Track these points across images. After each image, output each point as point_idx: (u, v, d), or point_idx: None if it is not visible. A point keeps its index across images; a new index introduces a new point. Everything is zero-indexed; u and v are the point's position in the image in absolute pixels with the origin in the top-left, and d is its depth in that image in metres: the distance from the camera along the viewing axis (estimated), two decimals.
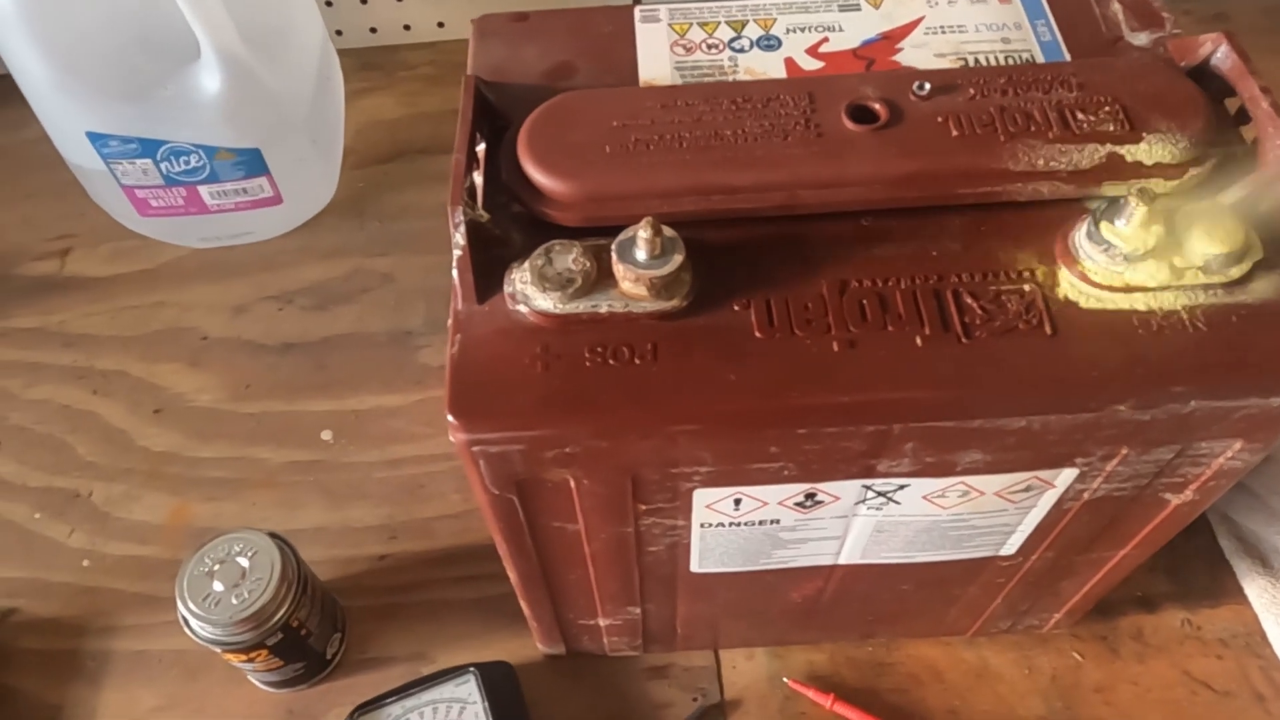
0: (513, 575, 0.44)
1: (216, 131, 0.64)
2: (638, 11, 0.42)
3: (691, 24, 0.42)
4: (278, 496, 0.62)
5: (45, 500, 0.63)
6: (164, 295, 0.72)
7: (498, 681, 0.53)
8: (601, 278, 0.33)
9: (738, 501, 0.38)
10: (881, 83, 0.36)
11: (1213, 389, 0.32)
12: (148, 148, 0.64)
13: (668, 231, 0.32)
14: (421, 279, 0.71)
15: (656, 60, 0.41)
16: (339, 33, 0.83)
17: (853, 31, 0.41)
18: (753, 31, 0.41)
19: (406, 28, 0.85)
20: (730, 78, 0.40)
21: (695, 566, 0.44)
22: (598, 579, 0.44)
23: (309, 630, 0.52)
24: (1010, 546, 0.43)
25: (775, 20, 0.42)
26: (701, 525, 0.40)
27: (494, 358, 0.33)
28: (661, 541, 0.41)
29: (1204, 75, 0.38)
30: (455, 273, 0.34)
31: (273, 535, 0.50)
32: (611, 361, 0.32)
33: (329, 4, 0.81)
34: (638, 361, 0.32)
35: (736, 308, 0.33)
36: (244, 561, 0.49)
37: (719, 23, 0.42)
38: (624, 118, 0.36)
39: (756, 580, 0.46)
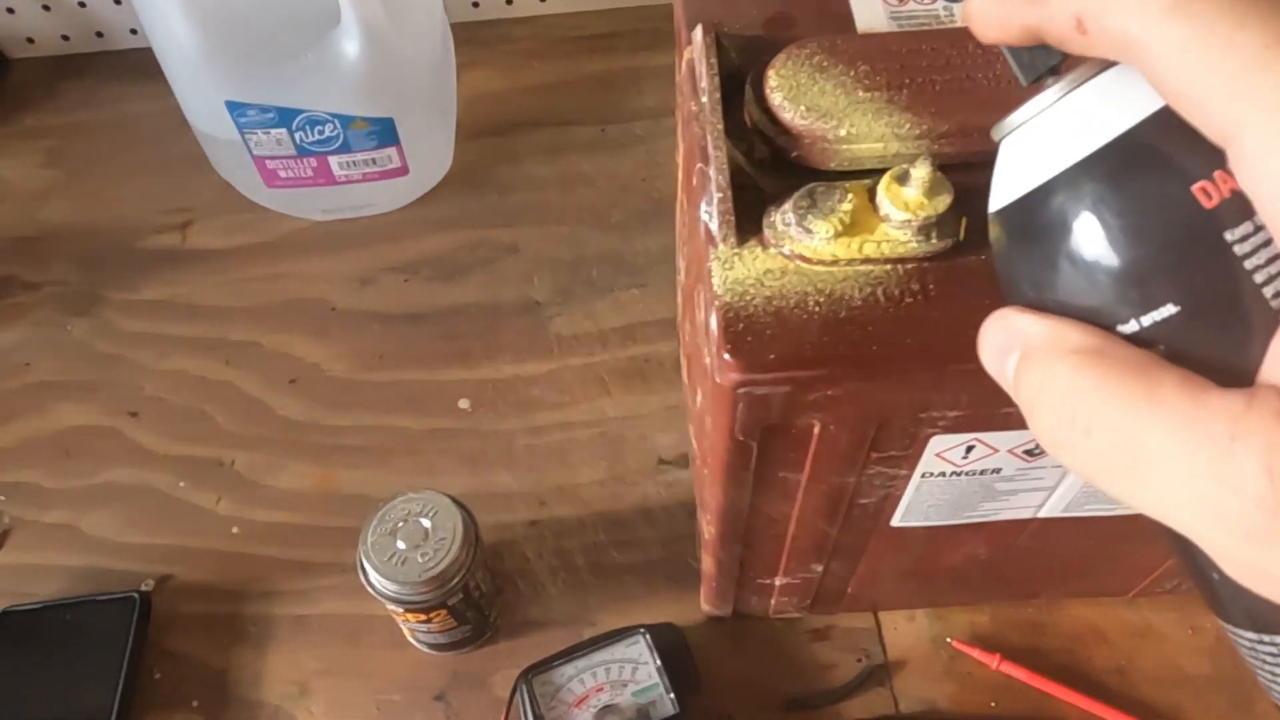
0: (713, 529, 0.44)
1: (354, 100, 0.64)
2: None
3: None
4: (420, 463, 0.62)
5: (188, 469, 0.63)
6: (286, 267, 0.72)
7: (667, 641, 0.53)
8: (864, 219, 0.33)
9: (969, 449, 0.38)
10: None
11: None
12: (284, 117, 0.64)
13: (937, 172, 0.32)
14: (545, 250, 0.71)
15: (870, 11, 0.40)
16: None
17: None
18: None
19: (509, 2, 0.85)
20: (940, 23, 0.40)
21: (897, 520, 0.44)
22: (795, 533, 0.45)
23: (481, 593, 0.52)
24: None
25: None
26: (923, 475, 0.40)
27: (762, 300, 0.33)
28: (876, 493, 0.41)
29: None
30: (711, 217, 0.34)
31: (450, 497, 0.51)
32: (882, 300, 0.32)
33: None
34: (909, 301, 0.32)
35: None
36: (426, 522, 0.49)
37: None
38: (870, 62, 0.35)
39: (950, 535, 0.46)
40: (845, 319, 0.32)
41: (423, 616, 0.50)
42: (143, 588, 0.58)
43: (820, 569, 0.49)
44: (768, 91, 0.35)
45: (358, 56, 0.62)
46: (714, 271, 0.34)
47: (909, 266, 0.33)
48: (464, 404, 0.65)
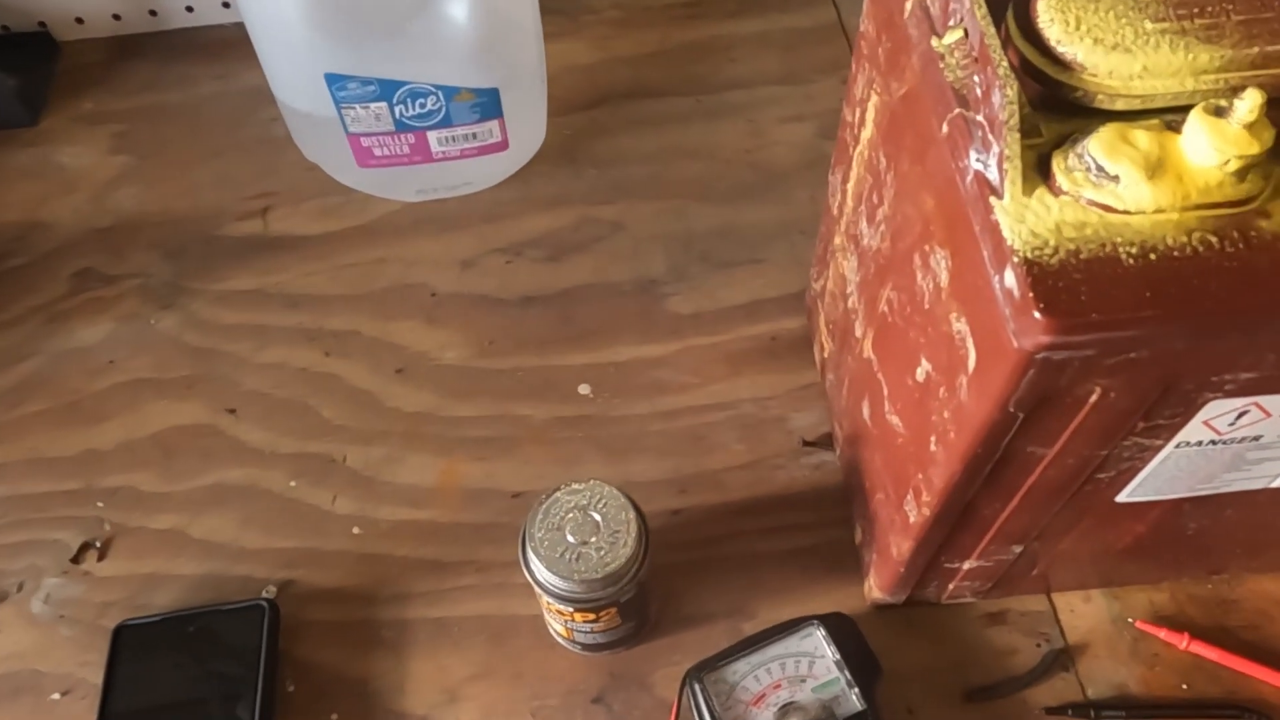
0: (929, 511, 0.41)
1: (461, 70, 0.60)
2: None
3: None
4: (551, 453, 0.59)
5: (298, 466, 0.59)
6: (383, 251, 0.68)
7: (841, 632, 0.50)
8: (1172, 161, 0.30)
9: (1240, 414, 0.35)
10: None
11: None
12: (386, 90, 0.60)
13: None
14: (653, 226, 0.68)
15: None
16: None
17: None
18: None
19: None
20: None
21: (1124, 495, 0.41)
22: (1013, 513, 0.42)
23: (650, 588, 0.49)
24: None
25: None
26: (1178, 445, 0.37)
27: (1066, 253, 0.29)
28: (1120, 466, 0.38)
29: None
30: (988, 166, 0.31)
31: (616, 488, 0.47)
32: (1201, 250, 0.29)
33: None
34: (1231, 250, 0.29)
35: None
36: (596, 515, 0.46)
37: None
38: None
39: (1168, 510, 0.43)
40: (1163, 271, 0.29)
41: (591, 615, 0.47)
42: (265, 594, 0.54)
43: (1019, 550, 0.46)
44: (1039, 24, 0.32)
45: (466, 21, 0.58)
46: (1003, 224, 0.30)
47: (1226, 212, 0.30)
48: (584, 389, 0.61)
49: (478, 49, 0.60)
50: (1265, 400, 0.34)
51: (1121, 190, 0.30)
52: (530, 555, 0.45)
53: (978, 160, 0.31)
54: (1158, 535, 0.46)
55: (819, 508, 0.56)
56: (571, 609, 0.46)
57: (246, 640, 0.52)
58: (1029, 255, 0.30)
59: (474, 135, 0.65)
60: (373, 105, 0.61)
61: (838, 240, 0.51)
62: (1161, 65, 0.31)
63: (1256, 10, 0.31)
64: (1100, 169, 0.30)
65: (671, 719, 0.49)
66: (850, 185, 0.47)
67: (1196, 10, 0.32)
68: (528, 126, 0.69)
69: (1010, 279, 0.30)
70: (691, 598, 0.54)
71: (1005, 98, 0.30)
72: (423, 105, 0.62)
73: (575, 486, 0.47)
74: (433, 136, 0.64)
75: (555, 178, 0.71)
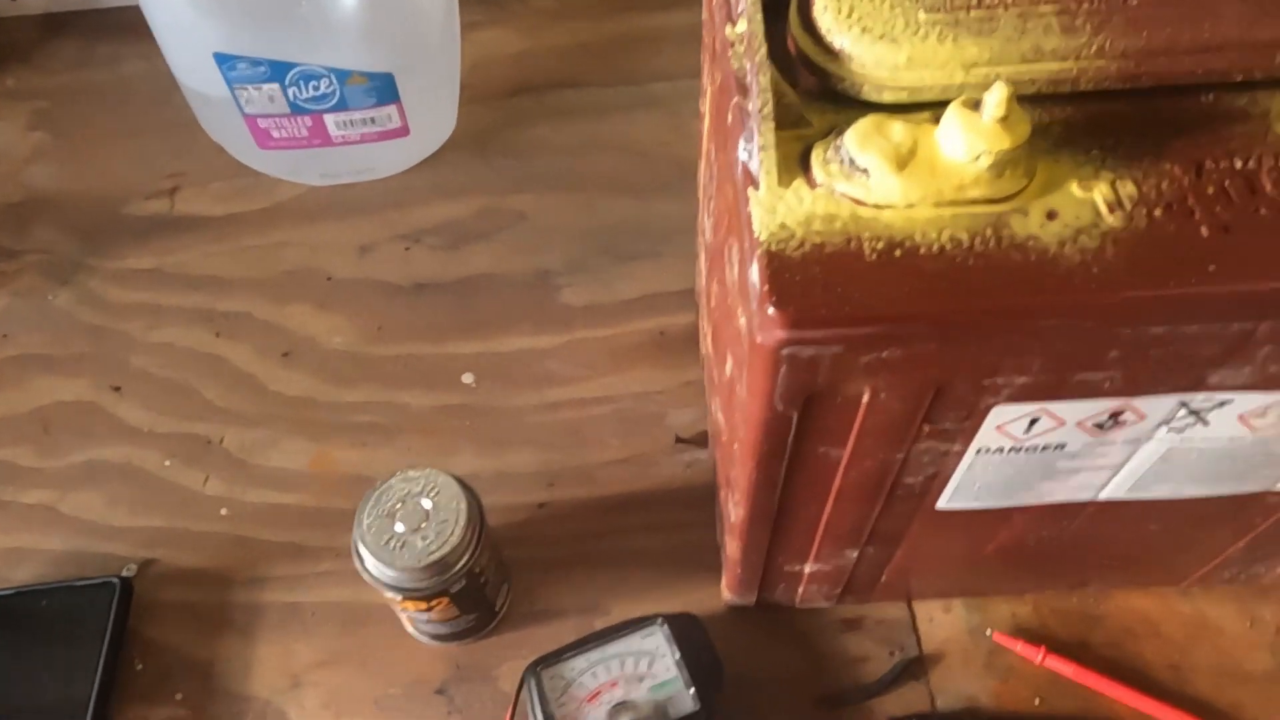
0: (741, 511, 0.40)
1: (352, 52, 0.60)
2: None
3: None
4: (425, 442, 0.59)
5: (175, 447, 0.59)
6: (285, 234, 0.68)
7: (687, 632, 0.49)
8: (926, 156, 0.29)
9: (1033, 421, 0.34)
10: None
11: None
12: (277, 71, 0.60)
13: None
14: (558, 217, 0.67)
15: None
16: None
17: None
18: None
19: None
20: None
21: (943, 503, 0.40)
22: (832, 516, 0.41)
23: (487, 579, 0.48)
24: None
25: None
26: (978, 451, 0.36)
27: (811, 247, 0.29)
28: (924, 471, 0.37)
29: None
30: (751, 155, 0.30)
31: (453, 475, 0.47)
32: (949, 247, 0.28)
33: None
34: (980, 248, 0.28)
35: (1078, 191, 0.29)
36: (427, 503, 0.45)
37: None
38: None
39: (999, 519, 0.42)
40: (907, 267, 0.28)
41: (423, 605, 0.46)
42: (124, 573, 0.54)
43: (855, 554, 0.45)
44: (815, 11, 0.31)
45: (356, 5, 0.58)
46: (755, 216, 0.30)
47: (979, 209, 0.29)
48: (469, 379, 0.61)
49: (369, 33, 0.59)
50: (1054, 406, 0.33)
51: (872, 183, 0.29)
52: (357, 542, 0.45)
53: (744, 150, 0.31)
54: (1005, 546, 0.45)
55: (688, 506, 0.55)
56: (400, 597, 0.46)
57: (96, 617, 0.52)
58: (772, 248, 0.29)
59: (372, 120, 0.64)
60: (265, 86, 0.61)
61: (699, 235, 0.50)
62: (928, 57, 0.30)
63: (1030, 3, 0.30)
64: (852, 161, 0.29)
65: (508, 715, 0.48)
66: (699, 178, 0.47)
67: (974, 2, 0.31)
68: (434, 113, 0.69)
69: (754, 272, 0.29)
70: (548, 592, 0.53)
71: (759, 85, 0.29)
72: (316, 88, 0.61)
73: (410, 474, 0.46)
74: (330, 120, 0.64)
75: (465, 166, 0.70)
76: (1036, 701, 0.49)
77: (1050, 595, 0.52)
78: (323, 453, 0.58)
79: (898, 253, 0.28)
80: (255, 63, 0.60)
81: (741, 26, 0.33)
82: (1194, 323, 0.29)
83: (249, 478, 0.58)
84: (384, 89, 0.63)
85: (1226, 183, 0.29)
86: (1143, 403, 0.33)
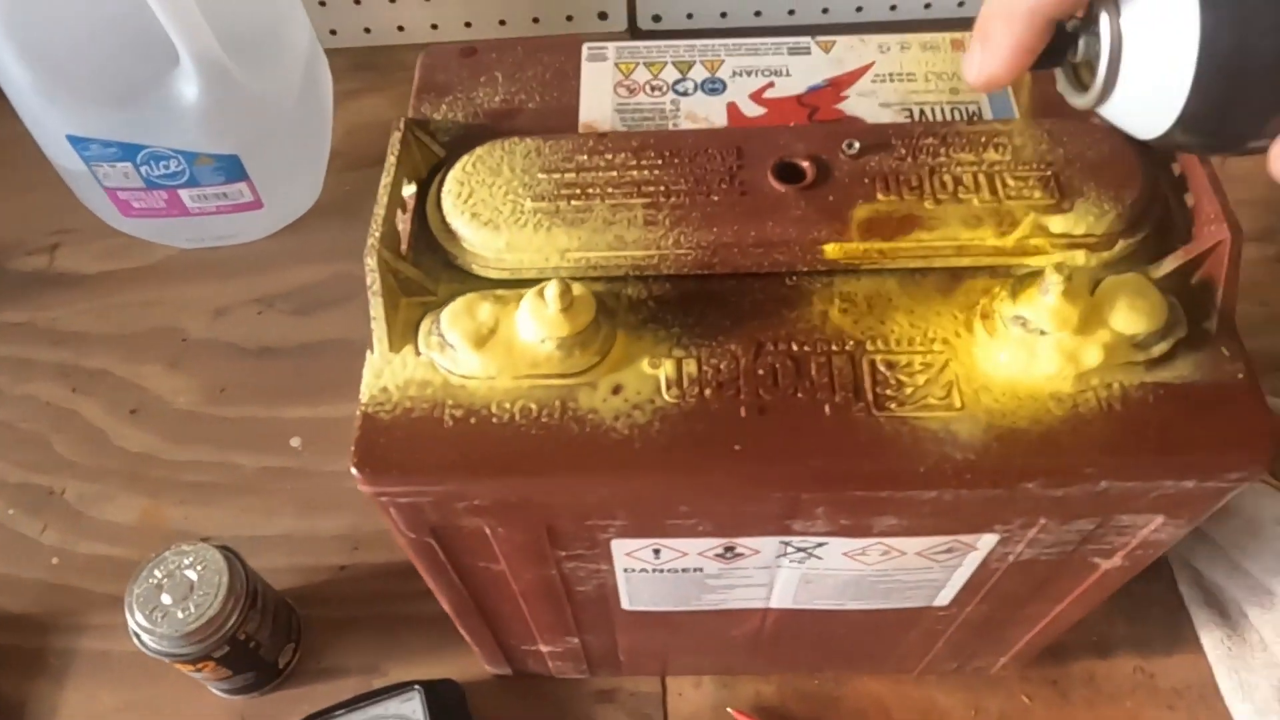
0: (447, 607, 0.45)
1: (195, 138, 0.65)
2: (585, 49, 0.42)
3: (638, 64, 0.41)
4: (250, 503, 0.63)
5: (20, 496, 0.64)
6: (154, 294, 0.73)
7: (444, 699, 0.54)
8: (508, 333, 0.33)
9: (657, 552, 0.38)
10: (811, 138, 0.36)
11: (1125, 471, 0.32)
12: (128, 152, 0.65)
13: (578, 290, 0.32)
14: None
15: (599, 101, 0.40)
16: (333, 32, 0.84)
17: (800, 77, 0.40)
18: (698, 74, 0.41)
19: (400, 29, 0.85)
20: (670, 122, 0.39)
21: (626, 605, 0.44)
22: (531, 612, 0.45)
23: (259, 642, 0.53)
24: (943, 599, 0.43)
25: (722, 62, 0.41)
26: (625, 570, 0.40)
27: (403, 410, 0.33)
28: (588, 583, 0.41)
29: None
30: (372, 320, 0.34)
31: (223, 548, 0.51)
32: (519, 420, 0.32)
33: (322, 3, 0.82)
34: (545, 419, 0.32)
35: (648, 368, 0.33)
36: (192, 575, 0.50)
37: (665, 63, 0.41)
38: (550, 169, 0.35)
39: (692, 619, 0.46)
40: (477, 434, 0.32)
41: (191, 667, 0.51)
42: None
43: (576, 641, 0.49)
44: (443, 192, 0.35)
45: (197, 96, 0.62)
46: (365, 378, 0.34)
47: (552, 383, 0.33)
48: (295, 442, 0.65)
49: (211, 119, 0.64)
50: (667, 542, 0.37)
51: (458, 356, 0.33)
52: (127, 612, 0.50)
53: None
54: (714, 638, 0.49)
55: None
56: (169, 660, 0.50)
57: None
58: (369, 410, 0.33)
59: (224, 195, 0.69)
60: (119, 164, 0.66)
61: None
62: (524, 242, 0.34)
63: (623, 197, 0.34)
64: (443, 336, 0.33)
65: None
66: None
67: (576, 193, 0.35)
68: (291, 185, 0.73)
69: (355, 431, 0.33)
70: (335, 651, 0.58)
71: (368, 266, 0.33)
72: (166, 167, 0.66)
73: (184, 548, 0.51)
74: (184, 194, 0.69)
75: (327, 231, 0.75)
76: None
77: (794, 677, 0.56)
78: (153, 508, 0.63)
79: (473, 420, 0.32)
80: (106, 144, 0.64)
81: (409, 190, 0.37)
82: (733, 494, 0.33)
83: (82, 529, 0.63)
84: (231, 168, 0.67)
85: (778, 365, 0.33)
86: (748, 542, 0.37)
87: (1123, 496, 0.33)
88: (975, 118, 0.39)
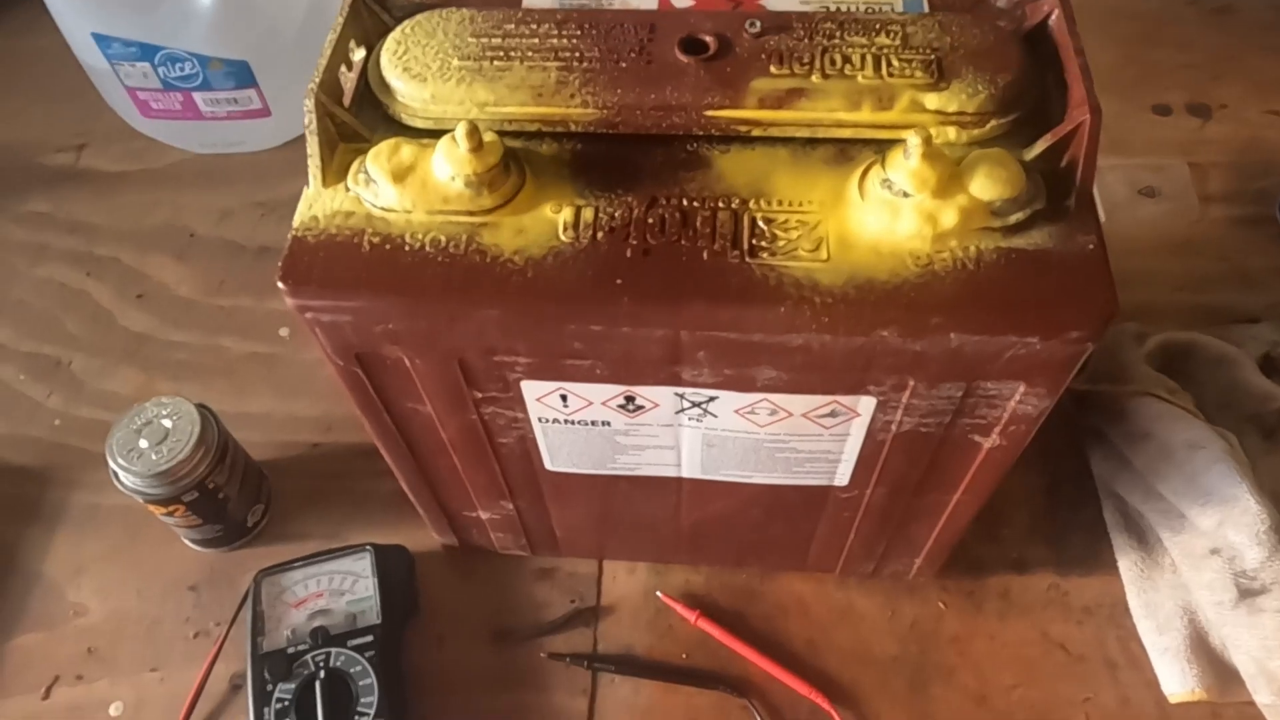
0: (387, 457, 0.48)
1: (207, 42, 0.69)
2: None
3: None
4: (234, 383, 0.68)
5: (31, 364, 0.70)
6: (162, 194, 0.78)
7: (392, 561, 0.58)
8: (424, 173, 0.37)
9: (564, 398, 0.42)
10: (720, 20, 0.39)
11: (971, 324, 0.34)
12: (146, 52, 0.70)
13: (488, 136, 0.36)
14: None
15: None
16: None
17: None
18: None
19: None
20: (606, 5, 0.43)
21: (549, 464, 0.47)
22: (463, 468, 0.49)
23: (227, 495, 0.57)
24: (841, 477, 0.46)
25: None
26: (539, 420, 0.43)
27: (328, 235, 0.37)
28: (509, 434, 0.45)
29: (1042, 39, 0.39)
30: (308, 157, 0.38)
31: (200, 405, 0.56)
32: (428, 249, 0.36)
33: None
34: (452, 250, 0.36)
35: (550, 211, 0.37)
36: (168, 424, 0.55)
37: None
38: (479, 35, 0.39)
39: (612, 487, 0.49)
40: (388, 259, 0.36)
41: (162, 509, 0.56)
42: None
43: (511, 507, 0.53)
44: (382, 49, 0.39)
45: (211, 2, 0.67)
46: (299, 208, 0.38)
47: (461, 219, 0.37)
48: (284, 332, 0.70)
49: (223, 24, 0.68)
50: (571, 387, 0.41)
51: (378, 190, 0.37)
52: (107, 452, 0.54)
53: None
54: (642, 515, 0.52)
55: None
56: (141, 500, 0.55)
57: None
58: (297, 233, 0.37)
59: (235, 100, 0.74)
60: (139, 64, 0.71)
61: None
62: (447, 94, 0.38)
63: (541, 60, 0.38)
64: (367, 172, 0.37)
65: (236, 609, 0.57)
66: None
67: (500, 55, 0.38)
68: (300, 97, 0.77)
69: (284, 251, 0.37)
70: (302, 518, 0.62)
71: (306, 107, 0.37)
72: (182, 69, 0.71)
73: (163, 400, 0.56)
74: (199, 98, 0.73)
75: None
76: (684, 656, 0.56)
77: (722, 571, 0.59)
78: (148, 382, 0.68)
79: (388, 247, 0.36)
80: (127, 43, 0.69)
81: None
82: (613, 325, 0.36)
83: (83, 397, 0.68)
84: (241, 74, 0.72)
85: (667, 215, 0.36)
86: (645, 391, 0.41)
87: (978, 357, 0.36)
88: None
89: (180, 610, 0.59)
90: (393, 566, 0.58)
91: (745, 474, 0.47)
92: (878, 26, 0.38)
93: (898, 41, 0.38)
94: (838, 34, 0.38)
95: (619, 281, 0.35)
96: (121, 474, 0.54)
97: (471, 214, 0.37)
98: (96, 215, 0.77)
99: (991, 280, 0.34)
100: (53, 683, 0.57)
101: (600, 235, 0.36)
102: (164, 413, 0.55)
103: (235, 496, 0.58)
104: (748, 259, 0.35)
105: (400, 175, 0.36)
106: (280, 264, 0.36)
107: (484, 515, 0.54)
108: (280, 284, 0.36)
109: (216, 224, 0.76)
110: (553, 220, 0.37)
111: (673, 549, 0.58)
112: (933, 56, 0.37)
